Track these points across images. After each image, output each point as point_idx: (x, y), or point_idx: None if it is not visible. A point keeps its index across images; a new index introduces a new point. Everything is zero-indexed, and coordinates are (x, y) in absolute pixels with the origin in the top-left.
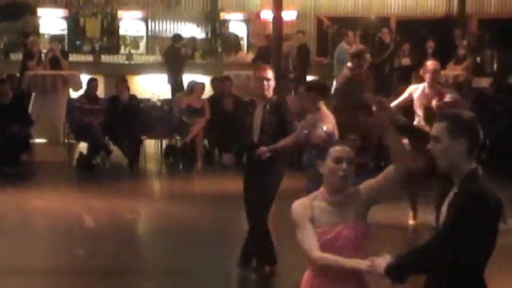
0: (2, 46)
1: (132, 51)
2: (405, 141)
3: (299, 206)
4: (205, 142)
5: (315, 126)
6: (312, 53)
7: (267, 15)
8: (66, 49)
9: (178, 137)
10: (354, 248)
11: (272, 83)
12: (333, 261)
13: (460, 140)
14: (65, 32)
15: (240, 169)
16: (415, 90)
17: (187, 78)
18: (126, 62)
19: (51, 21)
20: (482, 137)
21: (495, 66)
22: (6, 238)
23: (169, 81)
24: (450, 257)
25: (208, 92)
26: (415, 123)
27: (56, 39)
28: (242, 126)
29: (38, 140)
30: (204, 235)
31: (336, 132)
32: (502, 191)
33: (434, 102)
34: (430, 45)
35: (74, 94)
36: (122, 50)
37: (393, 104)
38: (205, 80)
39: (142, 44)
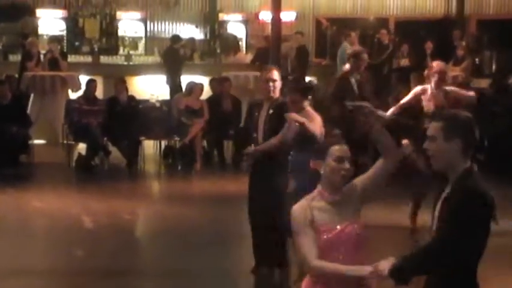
0: (0, 47)
1: (131, 52)
2: (405, 141)
3: (298, 210)
4: (204, 143)
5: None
6: (310, 54)
7: (266, 16)
8: (65, 50)
9: (177, 138)
10: (355, 246)
11: (278, 84)
12: (333, 270)
13: (455, 141)
14: (64, 33)
15: (239, 170)
16: (422, 92)
17: (186, 79)
18: (125, 63)
19: (50, 22)
20: (479, 138)
21: (494, 67)
22: (5, 239)
23: (167, 82)
24: (450, 256)
25: (207, 92)
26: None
27: (54, 40)
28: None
29: (36, 141)
30: (203, 236)
31: (323, 131)
32: (500, 191)
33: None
34: (429, 46)
35: (73, 95)
36: (121, 51)
37: (397, 105)
38: (204, 80)
39: (141, 45)
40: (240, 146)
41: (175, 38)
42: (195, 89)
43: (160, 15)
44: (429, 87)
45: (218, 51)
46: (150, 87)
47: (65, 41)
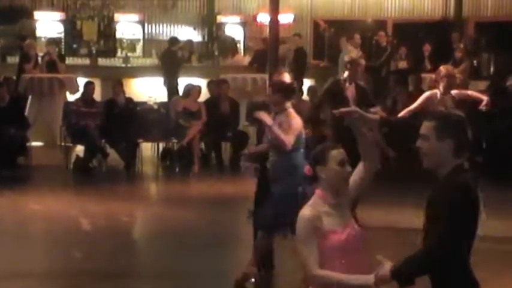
0: None
1: (129, 54)
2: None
3: (308, 217)
4: (202, 145)
5: (282, 127)
6: (308, 56)
7: (264, 18)
8: (62, 52)
9: (175, 140)
10: (358, 249)
11: None
12: (337, 279)
13: (447, 140)
14: (62, 35)
15: (237, 172)
16: (432, 97)
17: (184, 81)
18: (123, 65)
19: (48, 24)
20: (477, 139)
21: (492, 69)
22: (2, 241)
23: (165, 84)
24: (449, 251)
25: (204, 95)
26: None
27: (52, 42)
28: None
29: (34, 143)
30: (200, 237)
31: (304, 132)
32: (499, 193)
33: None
34: (427, 48)
35: (71, 97)
36: (119, 53)
37: (407, 110)
38: (202, 83)
39: (139, 47)
40: (238, 148)
41: (173, 40)
42: (193, 91)
43: (158, 17)
44: (438, 91)
45: (216, 53)
46: (148, 90)
47: (62, 43)
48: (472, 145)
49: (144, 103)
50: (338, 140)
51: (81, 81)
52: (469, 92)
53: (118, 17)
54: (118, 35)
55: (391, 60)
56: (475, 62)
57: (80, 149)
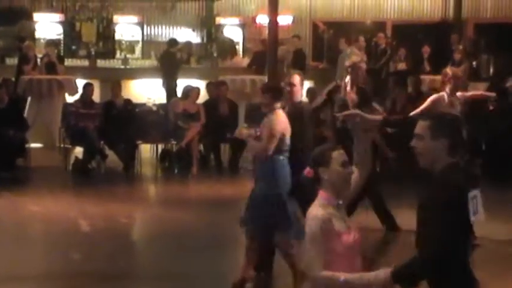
0: None
1: (128, 55)
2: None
3: (319, 216)
4: (201, 147)
5: (264, 128)
6: (307, 57)
7: (263, 19)
8: (61, 54)
9: (173, 142)
10: (356, 249)
11: (297, 89)
12: (347, 279)
13: (441, 140)
14: (61, 37)
15: (235, 173)
16: (439, 99)
17: (182, 82)
18: (122, 67)
19: (47, 26)
20: (475, 140)
21: (491, 70)
22: (1, 243)
23: (163, 86)
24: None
25: (203, 96)
26: None
27: (51, 43)
28: None
29: (33, 145)
30: (199, 239)
31: (287, 134)
32: (498, 194)
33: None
34: (426, 50)
35: (70, 99)
36: (118, 55)
37: (414, 112)
38: (201, 84)
39: (138, 49)
40: (237, 149)
41: (172, 42)
42: (191, 92)
43: (157, 19)
44: (445, 94)
45: (215, 55)
46: (146, 91)
47: (61, 45)
48: (472, 146)
49: (143, 104)
50: (338, 141)
51: (80, 82)
52: (477, 92)
53: (117, 18)
54: (117, 37)
55: (390, 62)
56: (474, 63)
57: (79, 151)
